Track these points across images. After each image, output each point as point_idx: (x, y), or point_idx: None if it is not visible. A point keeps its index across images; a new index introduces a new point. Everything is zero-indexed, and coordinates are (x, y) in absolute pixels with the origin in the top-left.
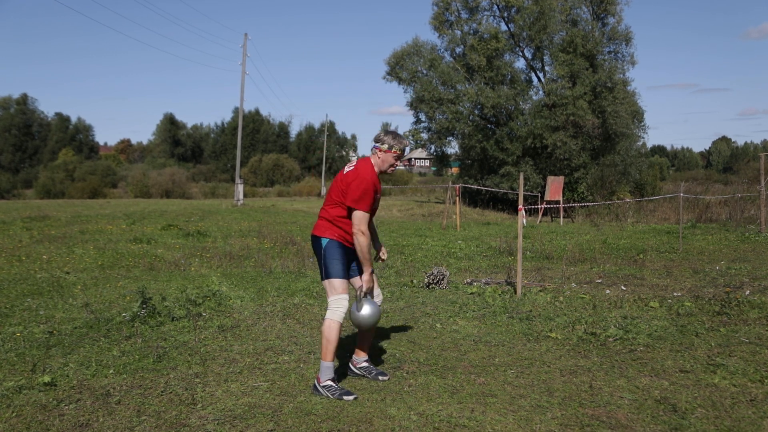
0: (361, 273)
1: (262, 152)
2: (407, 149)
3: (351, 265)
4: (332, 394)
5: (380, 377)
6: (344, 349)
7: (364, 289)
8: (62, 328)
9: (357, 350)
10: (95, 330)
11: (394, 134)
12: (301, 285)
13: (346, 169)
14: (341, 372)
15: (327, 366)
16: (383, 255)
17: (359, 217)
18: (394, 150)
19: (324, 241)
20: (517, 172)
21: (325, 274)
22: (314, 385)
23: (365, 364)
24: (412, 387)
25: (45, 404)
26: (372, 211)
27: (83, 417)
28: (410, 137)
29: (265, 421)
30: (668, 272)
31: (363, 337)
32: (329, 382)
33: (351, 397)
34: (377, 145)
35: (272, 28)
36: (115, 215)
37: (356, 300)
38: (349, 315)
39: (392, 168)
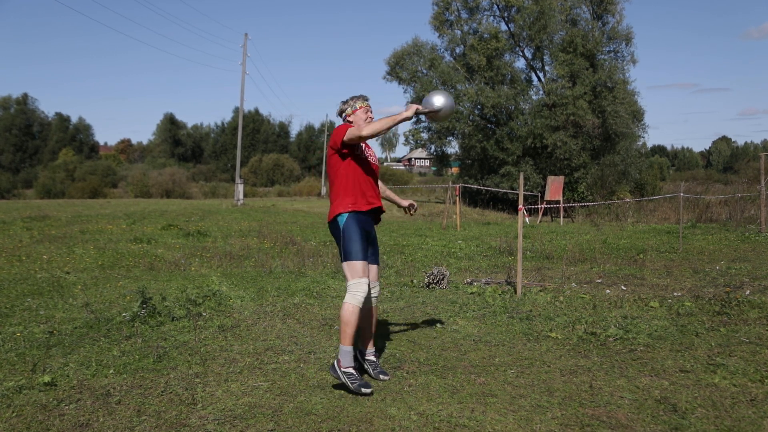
0: (373, 261)
1: (262, 152)
2: (367, 99)
3: (369, 249)
4: (351, 383)
5: (381, 376)
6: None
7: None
8: (62, 328)
9: (363, 342)
10: (95, 330)
11: (353, 98)
12: (301, 285)
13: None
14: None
15: (346, 350)
16: (411, 207)
17: (352, 131)
18: (359, 106)
19: (341, 219)
20: (517, 172)
21: (344, 256)
22: (333, 366)
23: (373, 358)
24: (412, 387)
25: (45, 404)
26: (368, 165)
27: (83, 417)
28: (410, 137)
29: (265, 421)
30: (668, 272)
31: (367, 329)
32: (351, 370)
33: (368, 390)
34: (345, 113)
35: (272, 28)
36: (115, 215)
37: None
38: (424, 101)
39: (370, 119)
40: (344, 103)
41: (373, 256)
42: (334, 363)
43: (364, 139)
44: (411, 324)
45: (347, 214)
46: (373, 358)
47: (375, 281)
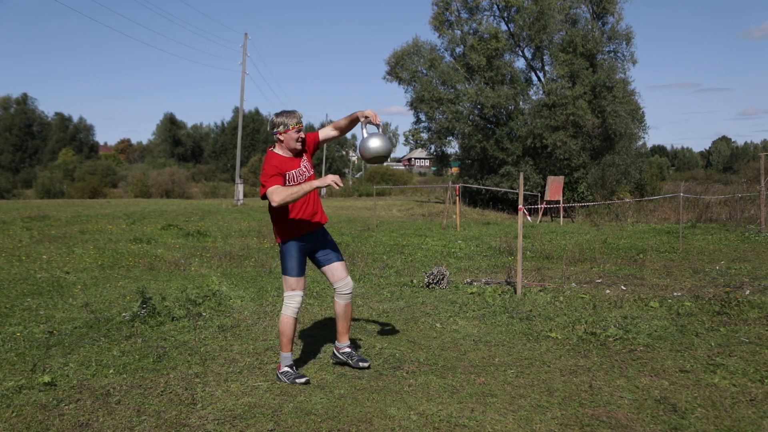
0: (327, 262)
1: (262, 152)
2: (302, 118)
3: (315, 255)
4: (287, 379)
5: (361, 363)
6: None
7: (363, 122)
8: (62, 328)
9: (338, 336)
10: (95, 330)
11: (284, 112)
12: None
13: None
14: (326, 360)
15: (285, 356)
16: (369, 117)
17: (270, 193)
18: (291, 126)
19: (280, 245)
20: (517, 172)
21: (282, 270)
22: (276, 374)
23: (348, 349)
24: (412, 387)
25: (45, 404)
26: (293, 184)
27: (83, 417)
28: (410, 137)
29: (265, 421)
30: (668, 272)
31: (342, 324)
32: (286, 368)
33: (302, 380)
34: (275, 131)
35: (272, 28)
36: (115, 215)
37: (364, 133)
38: (359, 148)
39: (299, 141)
40: (278, 116)
41: (331, 254)
42: (276, 372)
43: (273, 203)
44: (411, 324)
45: (285, 243)
46: (347, 349)
47: (343, 278)
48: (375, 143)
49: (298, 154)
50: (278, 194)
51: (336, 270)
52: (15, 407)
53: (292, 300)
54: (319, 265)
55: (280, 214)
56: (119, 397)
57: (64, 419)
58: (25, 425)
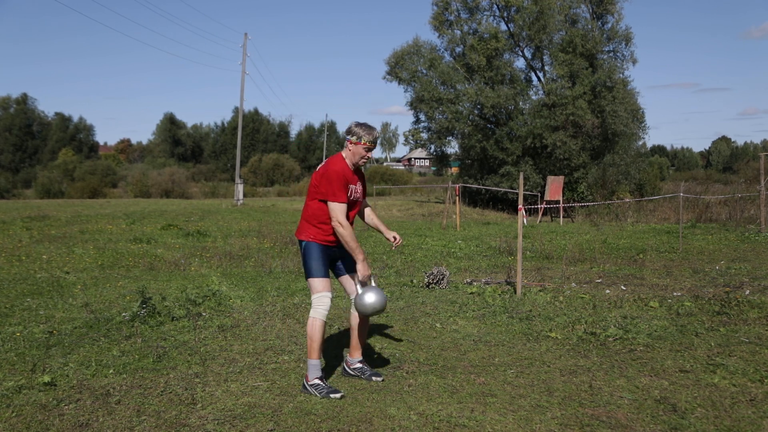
0: (350, 270)
1: (262, 152)
2: (378, 140)
3: (336, 263)
4: (320, 393)
5: (374, 378)
6: (340, 348)
7: (359, 278)
8: (62, 328)
9: (351, 351)
10: (95, 330)
11: (365, 126)
12: (301, 285)
13: (319, 166)
14: (337, 372)
15: (313, 364)
16: (394, 240)
17: (335, 209)
18: (363, 141)
19: (303, 243)
20: (517, 172)
21: (306, 274)
22: (303, 384)
23: (359, 365)
24: (412, 387)
25: (45, 404)
26: (351, 203)
27: (83, 417)
28: (410, 137)
29: (265, 421)
30: (668, 272)
31: (356, 337)
32: (317, 381)
33: (338, 395)
34: (348, 137)
35: (272, 28)
36: (115, 215)
37: (358, 289)
38: (355, 304)
39: (364, 159)
40: (357, 125)
41: (353, 265)
42: (303, 382)
43: (333, 222)
44: (411, 324)
45: (310, 242)
46: (359, 365)
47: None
48: (371, 298)
49: (356, 170)
50: (342, 225)
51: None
52: (15, 407)
53: (320, 301)
54: (339, 274)
55: (320, 215)
56: (119, 397)
57: (64, 419)
58: (25, 425)
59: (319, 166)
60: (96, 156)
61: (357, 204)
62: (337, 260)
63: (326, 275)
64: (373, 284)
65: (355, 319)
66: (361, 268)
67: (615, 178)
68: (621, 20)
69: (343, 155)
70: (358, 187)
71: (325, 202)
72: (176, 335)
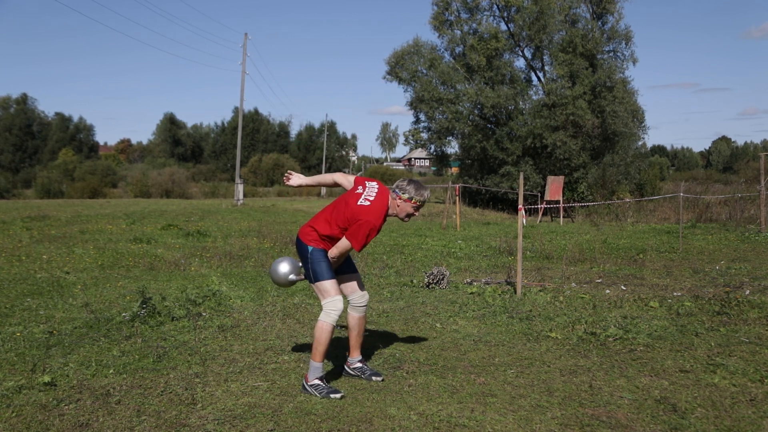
0: (348, 271)
1: (262, 152)
2: (426, 200)
3: (343, 264)
4: (319, 393)
5: (374, 377)
6: (340, 348)
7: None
8: (62, 328)
9: (350, 350)
10: (95, 330)
11: (417, 185)
12: (301, 285)
13: (362, 198)
14: (336, 372)
15: (316, 366)
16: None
17: (344, 247)
18: (414, 201)
19: (309, 248)
20: (517, 172)
21: (314, 278)
22: (303, 384)
23: (359, 364)
24: (412, 387)
25: (45, 404)
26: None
27: (83, 417)
28: (410, 137)
29: (265, 421)
30: (668, 272)
31: (354, 337)
32: (317, 381)
33: (338, 395)
34: (398, 192)
35: (272, 28)
36: (115, 215)
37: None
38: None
39: (408, 218)
40: (410, 183)
41: (350, 267)
42: (303, 382)
43: (334, 250)
44: (411, 324)
45: (318, 249)
46: (359, 364)
47: (359, 290)
48: (284, 268)
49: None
50: (340, 254)
51: (354, 281)
52: (15, 407)
53: (334, 306)
54: (337, 274)
55: (335, 240)
56: (119, 397)
57: (64, 419)
58: (25, 425)
59: (363, 195)
60: (96, 156)
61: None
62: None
63: (334, 277)
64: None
65: (352, 319)
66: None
67: (615, 178)
68: (621, 20)
69: (389, 202)
70: (377, 234)
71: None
72: (176, 335)
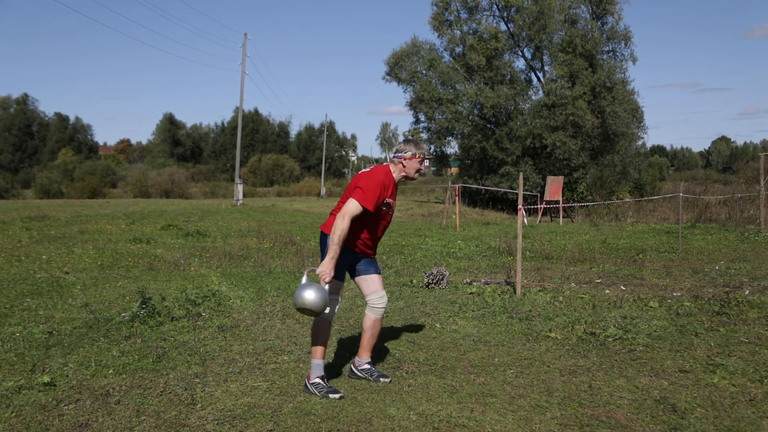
0: (366, 272)
1: (261, 152)
2: (428, 151)
3: (355, 265)
4: (319, 392)
5: (382, 379)
6: (341, 348)
7: (316, 272)
8: (62, 328)
9: (360, 351)
10: (95, 330)
11: (414, 141)
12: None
13: (362, 171)
14: (336, 372)
15: (317, 364)
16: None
17: (351, 207)
18: (417, 155)
19: (327, 238)
20: (516, 172)
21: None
22: (305, 384)
23: (367, 366)
24: (411, 387)
25: (44, 404)
26: (383, 215)
27: (83, 417)
28: (410, 137)
29: (265, 421)
30: (668, 272)
31: (367, 339)
32: (318, 380)
33: (337, 395)
34: (400, 155)
35: (272, 28)
36: (114, 215)
37: (303, 280)
38: (295, 294)
39: (418, 173)
40: (407, 143)
41: (370, 266)
42: (305, 381)
43: (340, 213)
44: (410, 324)
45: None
46: (367, 366)
47: (379, 290)
48: (310, 295)
49: (396, 186)
50: (345, 222)
51: (372, 281)
52: (14, 407)
53: (330, 303)
54: (355, 274)
55: (353, 223)
56: (119, 397)
57: (63, 419)
58: (25, 425)
59: (363, 170)
60: (96, 156)
61: (388, 217)
62: (355, 263)
63: (341, 279)
64: (325, 287)
65: (368, 320)
66: (324, 266)
67: (614, 178)
68: (620, 20)
69: (391, 169)
70: (394, 203)
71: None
72: (176, 335)
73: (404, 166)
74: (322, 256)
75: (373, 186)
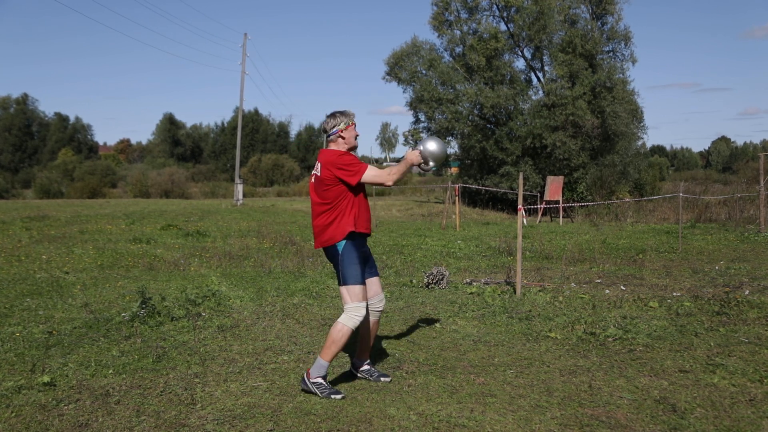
0: (371, 275)
1: (261, 152)
2: (352, 115)
3: (365, 266)
4: (321, 392)
5: (382, 378)
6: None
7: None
8: (61, 328)
9: (358, 353)
10: (95, 330)
11: (340, 111)
12: (301, 285)
13: (314, 173)
14: (337, 372)
15: (323, 364)
16: None
17: (373, 176)
18: (348, 124)
19: (339, 246)
20: (516, 172)
21: (343, 280)
22: (303, 379)
23: (367, 367)
24: (411, 387)
25: (44, 404)
26: (365, 194)
27: (82, 417)
28: (410, 137)
29: (265, 421)
30: (668, 272)
31: (366, 340)
32: (320, 380)
33: (339, 396)
34: (335, 130)
35: (272, 28)
36: (114, 215)
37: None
38: (421, 146)
39: (357, 138)
40: (333, 117)
41: (372, 268)
42: (303, 376)
43: (387, 183)
44: (410, 324)
45: (347, 241)
46: (367, 366)
47: (379, 293)
48: (432, 146)
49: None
50: (391, 177)
51: (373, 284)
52: (14, 407)
53: (358, 312)
54: (366, 276)
55: (351, 209)
56: (118, 397)
57: (63, 419)
58: (25, 425)
59: (312, 173)
60: (95, 156)
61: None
62: (364, 263)
63: (364, 282)
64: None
65: (367, 322)
66: (409, 156)
67: (614, 178)
68: (620, 20)
69: (334, 147)
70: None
71: (359, 183)
72: (176, 335)
73: (344, 138)
74: (335, 268)
75: (345, 159)
